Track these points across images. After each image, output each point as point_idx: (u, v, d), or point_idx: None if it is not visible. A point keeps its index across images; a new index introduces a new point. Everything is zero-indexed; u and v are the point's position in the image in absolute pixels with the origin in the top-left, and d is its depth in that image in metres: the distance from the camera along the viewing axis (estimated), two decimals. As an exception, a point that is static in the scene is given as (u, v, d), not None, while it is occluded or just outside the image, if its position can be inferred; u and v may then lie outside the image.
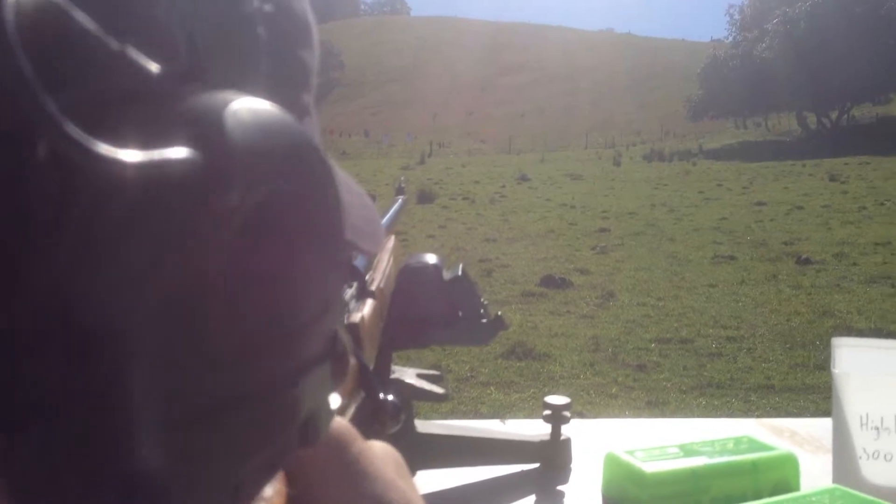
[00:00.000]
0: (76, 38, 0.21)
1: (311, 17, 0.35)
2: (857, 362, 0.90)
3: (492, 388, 4.21)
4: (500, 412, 3.86)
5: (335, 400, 0.31)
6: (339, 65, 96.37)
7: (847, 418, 0.88)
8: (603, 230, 9.90)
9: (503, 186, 17.07)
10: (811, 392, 4.07)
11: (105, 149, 0.20)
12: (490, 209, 12.62)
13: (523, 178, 18.57)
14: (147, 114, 0.23)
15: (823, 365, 4.27)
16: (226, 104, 0.24)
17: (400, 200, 0.93)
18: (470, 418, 3.75)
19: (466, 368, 4.44)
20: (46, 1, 0.21)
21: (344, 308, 0.32)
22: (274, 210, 0.25)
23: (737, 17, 44.78)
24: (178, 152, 0.22)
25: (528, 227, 10.33)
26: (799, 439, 1.08)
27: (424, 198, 13.34)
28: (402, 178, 1.06)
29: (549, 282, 6.57)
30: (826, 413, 0.93)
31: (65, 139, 0.20)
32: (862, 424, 0.88)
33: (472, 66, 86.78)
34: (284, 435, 0.28)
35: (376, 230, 0.45)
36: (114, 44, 0.22)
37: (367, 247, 0.43)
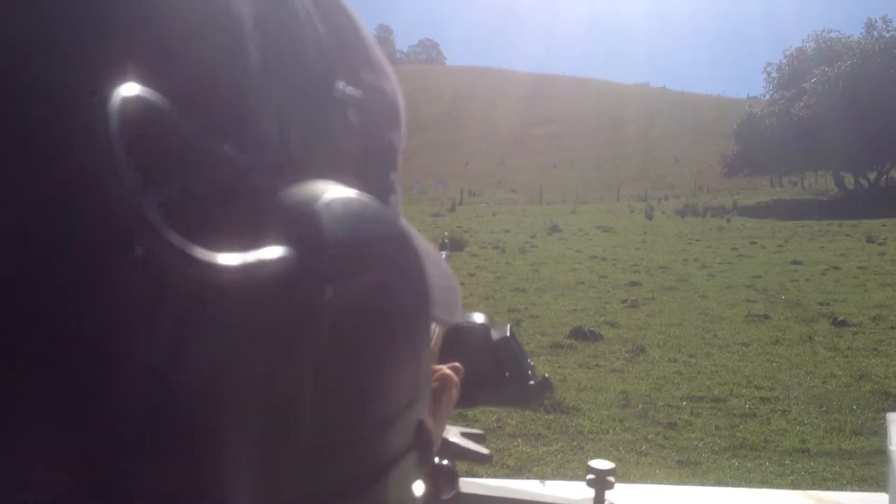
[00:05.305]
0: (176, 140, 0.22)
1: (399, 98, 0.35)
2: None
3: (519, 440, 4.15)
4: (526, 465, 3.80)
5: (419, 487, 0.30)
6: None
7: (901, 497, 0.86)
8: (634, 283, 9.82)
9: (533, 236, 17.07)
10: (848, 458, 3.95)
11: (203, 254, 0.20)
12: (520, 259, 12.61)
13: (554, 229, 18.57)
14: (243, 211, 0.23)
15: (860, 430, 4.16)
16: (318, 197, 0.24)
17: (443, 256, 0.93)
18: (495, 469, 3.69)
19: (493, 419, 4.39)
20: (149, 106, 0.21)
21: (429, 395, 0.31)
22: (364, 302, 0.25)
23: (774, 75, 44.54)
24: (274, 251, 0.22)
25: (558, 279, 10.28)
26: (846, 514, 1.05)
27: (454, 245, 13.37)
28: (446, 234, 1.06)
29: (579, 334, 6.52)
30: (864, 480, 0.91)
31: (165, 247, 0.20)
32: (917, 504, 0.85)
33: (505, 115, 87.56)
34: None
35: (453, 299, 0.44)
36: (211, 142, 0.23)
37: (446, 317, 0.42)
